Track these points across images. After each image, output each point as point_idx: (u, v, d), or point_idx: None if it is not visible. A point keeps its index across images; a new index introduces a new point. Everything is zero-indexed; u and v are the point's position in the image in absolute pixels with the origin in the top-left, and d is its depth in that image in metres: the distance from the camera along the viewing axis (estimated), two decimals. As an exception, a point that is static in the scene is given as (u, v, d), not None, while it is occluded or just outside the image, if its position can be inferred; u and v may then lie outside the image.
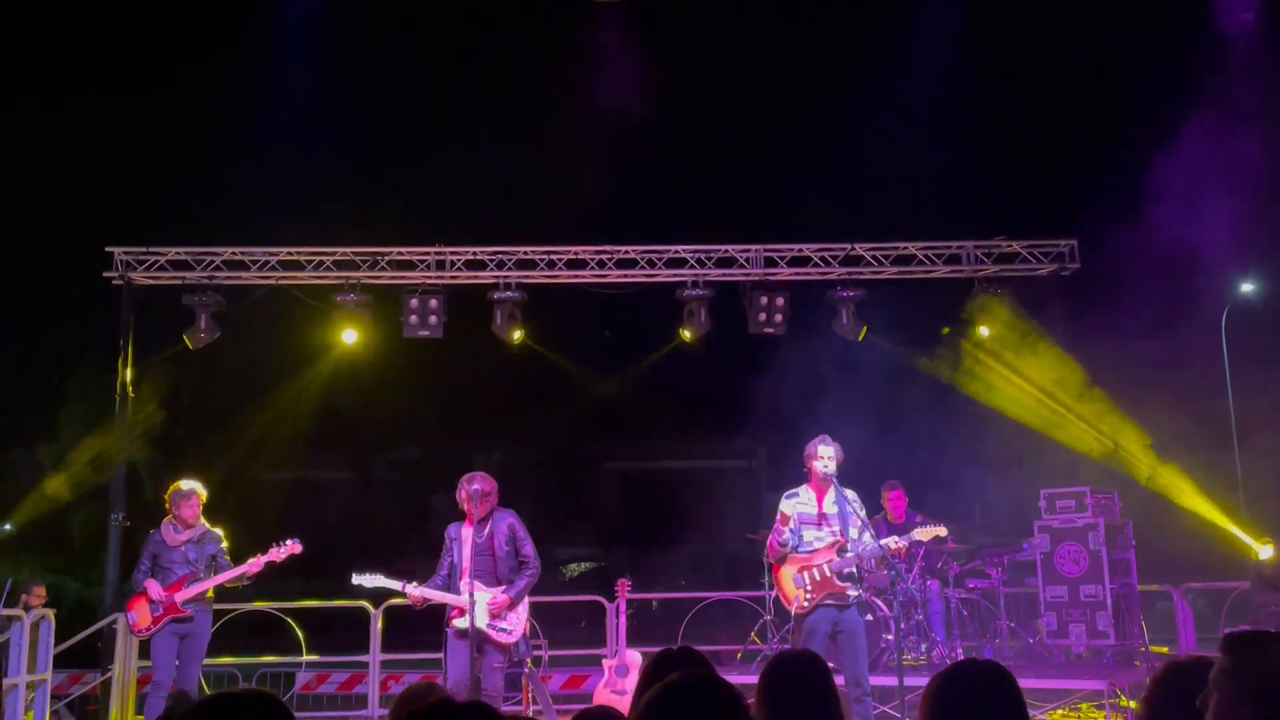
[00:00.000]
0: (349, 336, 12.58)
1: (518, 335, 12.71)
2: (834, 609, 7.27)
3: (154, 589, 8.23)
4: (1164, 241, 13.15)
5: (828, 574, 7.27)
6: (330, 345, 13.03)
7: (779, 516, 7.50)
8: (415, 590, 7.59)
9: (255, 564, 8.39)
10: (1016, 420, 12.64)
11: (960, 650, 10.06)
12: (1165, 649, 10.91)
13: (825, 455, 7.44)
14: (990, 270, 12.87)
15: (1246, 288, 17.50)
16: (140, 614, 8.31)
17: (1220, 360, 17.52)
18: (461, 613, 7.47)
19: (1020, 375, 12.49)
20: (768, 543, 7.61)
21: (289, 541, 8.43)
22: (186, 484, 8.57)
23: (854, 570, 7.37)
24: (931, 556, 10.52)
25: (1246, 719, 2.66)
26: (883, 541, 7.41)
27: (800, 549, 7.41)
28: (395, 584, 7.68)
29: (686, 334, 12.83)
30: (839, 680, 7.68)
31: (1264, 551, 10.54)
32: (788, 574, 7.44)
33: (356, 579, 7.80)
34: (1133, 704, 9.03)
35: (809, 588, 7.29)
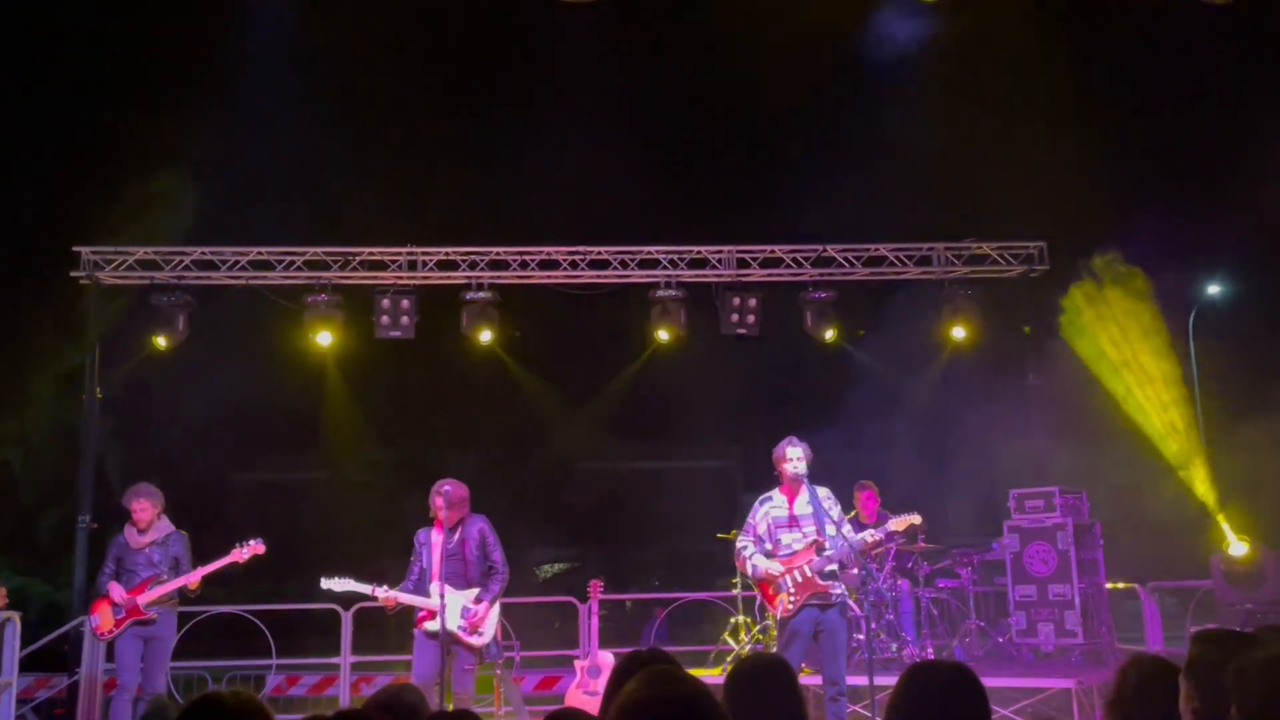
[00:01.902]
0: (324, 339, 12.51)
1: (488, 336, 12.68)
2: (817, 609, 7.32)
3: (116, 591, 8.19)
4: (1132, 244, 13.27)
5: (809, 574, 7.32)
6: (301, 346, 12.95)
7: (745, 527, 7.63)
8: (386, 593, 7.58)
9: (217, 565, 8.35)
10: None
11: (931, 649, 10.13)
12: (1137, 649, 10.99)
13: (794, 456, 7.50)
14: (961, 272, 12.96)
15: (1213, 290, 17.66)
16: (103, 617, 8.25)
17: (1188, 363, 17.66)
18: (432, 615, 7.47)
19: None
20: (735, 553, 7.75)
21: (252, 541, 8.40)
22: (137, 486, 8.53)
23: (835, 568, 7.43)
24: (902, 556, 10.58)
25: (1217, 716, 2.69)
26: (859, 535, 7.48)
27: (779, 554, 7.47)
28: (365, 587, 7.67)
29: (662, 335, 12.84)
30: (817, 680, 7.78)
31: (1237, 548, 10.56)
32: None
33: (325, 583, 7.78)
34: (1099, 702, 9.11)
35: (792, 590, 7.34)
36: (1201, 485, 11.84)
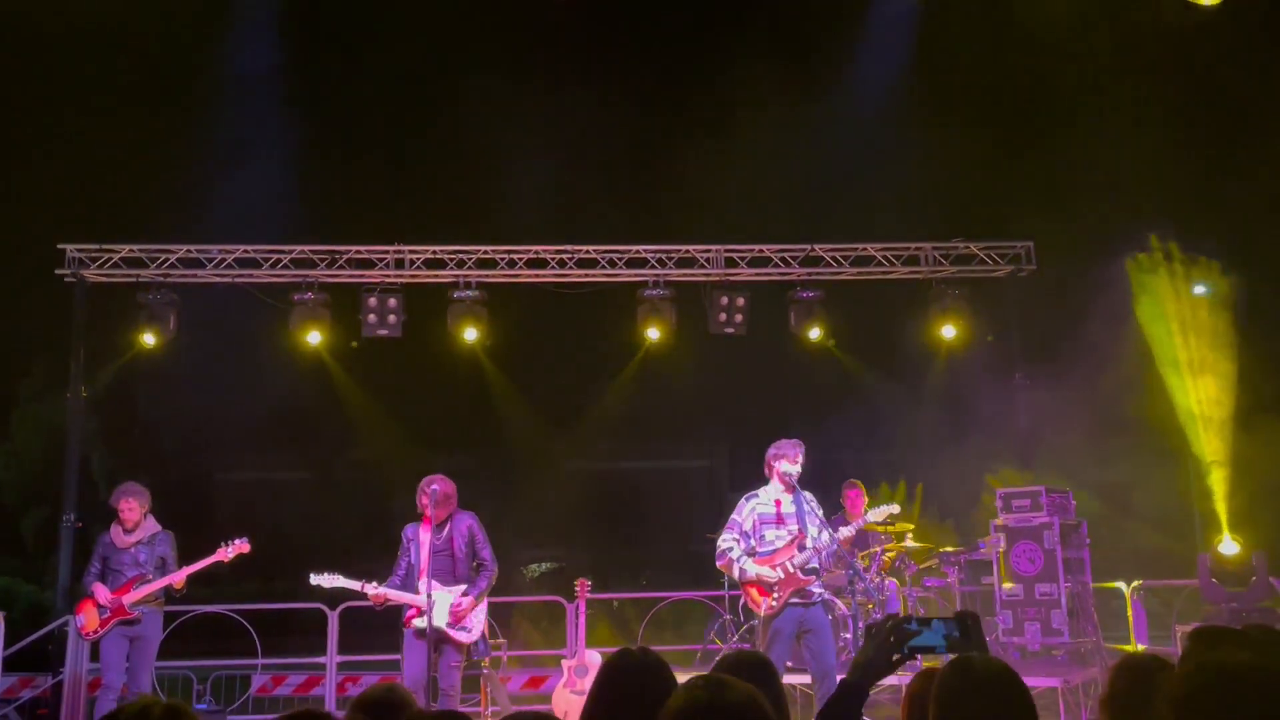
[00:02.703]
0: (313, 338, 12.47)
1: (474, 334, 12.63)
2: (799, 608, 7.34)
3: (101, 592, 8.15)
4: (1117, 241, 13.30)
5: (790, 570, 7.34)
6: (288, 344, 12.90)
7: (729, 523, 7.63)
8: (375, 590, 7.57)
9: (202, 564, 8.32)
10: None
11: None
12: (1133, 646, 10.99)
13: (799, 460, 7.55)
14: (948, 271, 12.99)
15: (1199, 290, 17.68)
16: (88, 617, 8.22)
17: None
18: (419, 613, 7.46)
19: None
20: (718, 554, 7.74)
21: (237, 540, 8.38)
22: (124, 485, 8.49)
23: (815, 564, 7.45)
24: (890, 555, 10.58)
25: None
26: (837, 533, 7.50)
27: (761, 550, 7.49)
28: (354, 584, 7.66)
29: (652, 333, 12.81)
30: (804, 679, 7.80)
31: (1229, 547, 10.55)
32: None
33: (315, 579, 7.77)
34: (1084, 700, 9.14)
35: (774, 588, 7.35)
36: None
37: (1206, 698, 2.40)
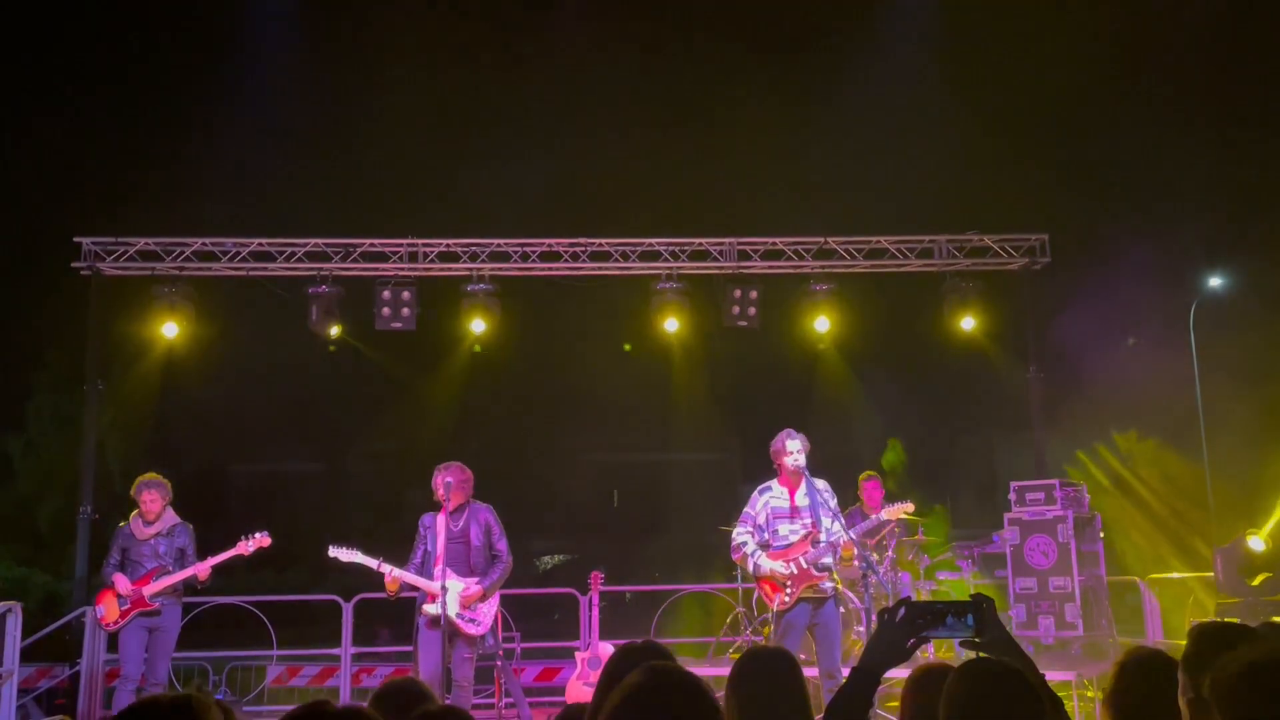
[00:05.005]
0: (330, 331, 12.49)
1: (482, 327, 12.62)
2: (811, 603, 7.36)
3: (121, 583, 8.19)
4: (1134, 235, 13.25)
5: (804, 566, 7.35)
6: (302, 338, 12.93)
7: (743, 516, 7.63)
8: (390, 570, 7.62)
9: (223, 557, 8.37)
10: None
11: (931, 644, 10.14)
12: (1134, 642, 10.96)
13: (794, 449, 7.53)
14: (962, 264, 12.93)
15: (1215, 282, 17.58)
16: (108, 607, 8.26)
17: (1189, 355, 17.62)
18: (433, 599, 7.50)
19: None
20: (732, 547, 7.74)
21: (258, 534, 8.41)
22: (147, 477, 8.53)
23: (829, 560, 7.46)
24: (903, 549, 10.58)
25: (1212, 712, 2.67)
26: (841, 533, 7.48)
27: (775, 544, 7.49)
28: (371, 561, 7.73)
29: (670, 325, 12.79)
30: (812, 672, 7.81)
31: (1255, 543, 10.49)
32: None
33: (334, 551, 7.83)
34: (1098, 694, 9.12)
35: (787, 584, 7.37)
36: None
37: (1242, 690, 2.39)
